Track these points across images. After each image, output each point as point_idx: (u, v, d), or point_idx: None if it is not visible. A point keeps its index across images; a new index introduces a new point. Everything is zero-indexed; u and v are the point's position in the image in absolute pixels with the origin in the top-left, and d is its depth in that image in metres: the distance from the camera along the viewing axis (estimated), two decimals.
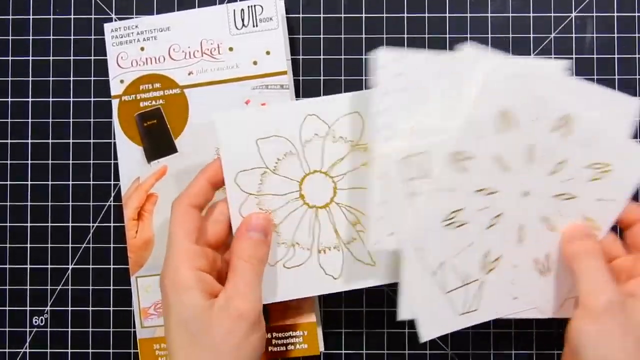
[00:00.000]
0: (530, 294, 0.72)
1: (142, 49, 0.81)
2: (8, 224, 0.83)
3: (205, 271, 0.67)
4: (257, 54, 0.80)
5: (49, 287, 0.83)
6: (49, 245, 0.83)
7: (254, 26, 0.80)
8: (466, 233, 0.70)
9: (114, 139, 0.81)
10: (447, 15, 0.82)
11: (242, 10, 0.80)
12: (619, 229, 0.74)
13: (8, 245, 0.83)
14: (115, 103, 0.81)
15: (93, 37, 0.83)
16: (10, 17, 0.83)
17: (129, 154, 0.81)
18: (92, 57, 0.83)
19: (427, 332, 0.71)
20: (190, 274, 0.64)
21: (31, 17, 0.83)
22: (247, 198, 0.71)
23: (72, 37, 0.83)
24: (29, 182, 0.82)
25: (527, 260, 0.71)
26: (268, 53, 0.80)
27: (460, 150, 0.68)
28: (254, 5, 0.80)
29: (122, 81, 0.81)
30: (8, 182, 0.82)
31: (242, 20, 0.80)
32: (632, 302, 0.64)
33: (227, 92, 0.80)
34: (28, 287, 0.83)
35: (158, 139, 0.80)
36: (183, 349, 0.64)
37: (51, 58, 0.83)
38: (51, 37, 0.83)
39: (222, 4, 0.81)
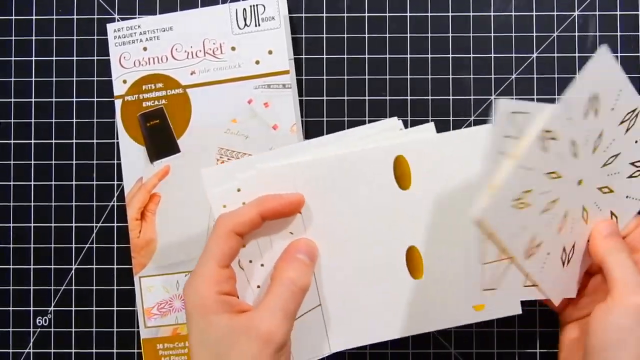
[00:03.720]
0: (550, 282, 0.70)
1: (145, 49, 0.81)
2: (11, 225, 0.83)
3: (232, 294, 0.66)
4: (260, 54, 0.80)
5: (52, 288, 0.83)
6: (52, 245, 0.83)
7: (256, 26, 0.80)
8: (525, 216, 0.68)
9: (117, 139, 0.81)
10: (450, 14, 0.82)
11: (245, 9, 0.80)
12: None
13: (11, 246, 0.83)
14: (118, 103, 0.81)
15: (96, 37, 0.83)
16: (14, 17, 0.83)
17: (132, 154, 0.81)
18: (95, 58, 0.83)
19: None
20: (215, 297, 0.63)
21: (34, 17, 0.83)
22: (242, 251, 0.70)
23: (74, 38, 0.83)
24: (32, 183, 0.83)
25: (558, 248, 0.70)
26: (270, 52, 0.80)
27: (550, 128, 0.66)
28: (256, 5, 0.80)
29: (124, 81, 0.81)
30: (11, 183, 0.83)
31: (245, 19, 0.80)
32: None
33: (229, 91, 0.80)
34: (31, 287, 0.83)
35: (161, 139, 0.80)
36: None
37: (54, 58, 0.83)
38: (54, 37, 0.83)
39: (224, 3, 0.81)
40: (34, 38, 0.83)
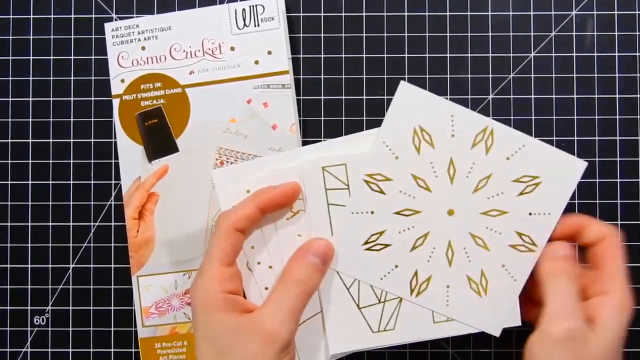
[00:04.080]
0: (468, 313, 0.71)
1: (143, 48, 0.81)
2: (9, 224, 0.83)
3: (237, 293, 0.66)
4: (259, 54, 0.80)
5: (49, 287, 0.83)
6: (50, 244, 0.83)
7: (255, 26, 0.80)
8: (390, 255, 0.70)
9: (115, 138, 0.81)
10: (448, 13, 0.82)
11: (244, 10, 0.80)
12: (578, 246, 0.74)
13: (9, 245, 0.83)
14: (115, 102, 0.81)
15: (93, 36, 0.83)
16: (11, 16, 0.83)
17: (129, 153, 0.81)
18: (93, 57, 0.83)
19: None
20: (220, 296, 0.64)
21: (31, 16, 0.83)
22: (251, 253, 0.71)
23: (72, 37, 0.83)
24: (30, 182, 0.83)
25: (459, 280, 0.70)
26: (269, 53, 0.80)
27: (375, 172, 0.69)
28: (256, 5, 0.80)
29: (122, 80, 0.81)
30: (9, 182, 0.83)
31: (244, 20, 0.80)
32: (588, 328, 0.64)
33: (228, 91, 0.80)
34: (29, 286, 0.83)
35: (159, 138, 0.80)
36: None
37: (52, 58, 0.83)
38: (52, 36, 0.83)
39: (222, 3, 0.81)
40: (31, 37, 0.83)
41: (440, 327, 0.71)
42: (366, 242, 0.70)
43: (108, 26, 0.81)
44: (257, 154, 0.80)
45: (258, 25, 0.80)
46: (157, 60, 0.81)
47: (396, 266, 0.70)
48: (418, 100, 0.69)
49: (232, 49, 0.80)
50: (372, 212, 0.70)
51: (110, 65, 0.81)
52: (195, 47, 0.80)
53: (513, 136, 0.68)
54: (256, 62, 0.80)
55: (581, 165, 0.68)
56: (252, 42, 0.80)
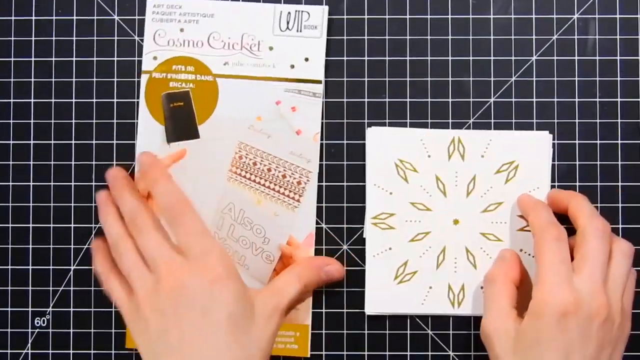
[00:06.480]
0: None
1: (182, 30, 0.81)
2: (10, 225, 0.82)
3: None
4: (296, 59, 0.81)
5: (50, 288, 0.82)
6: (51, 246, 0.82)
7: (297, 31, 0.81)
8: (389, 237, 0.75)
9: (116, 140, 0.81)
10: (450, 16, 0.83)
11: (289, 13, 0.81)
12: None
13: (10, 246, 0.82)
14: (144, 78, 0.81)
15: (95, 38, 0.83)
16: (13, 18, 0.83)
17: (149, 132, 0.81)
18: (95, 59, 0.83)
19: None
20: None
21: (33, 17, 0.83)
22: None
23: (74, 38, 0.83)
24: (31, 183, 0.82)
25: (441, 285, 0.75)
26: (307, 59, 0.81)
27: (406, 160, 0.75)
28: (302, 11, 0.81)
29: (155, 58, 0.81)
30: (10, 183, 0.82)
31: (287, 23, 0.81)
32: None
33: (259, 89, 0.81)
34: (30, 288, 0.82)
35: (182, 121, 0.80)
36: None
37: (53, 59, 0.83)
38: (54, 38, 0.83)
39: (267, 2, 0.81)
40: (33, 38, 0.83)
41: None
42: (374, 217, 0.74)
43: (150, 1, 0.82)
44: (278, 155, 0.80)
45: (300, 31, 0.81)
46: (193, 45, 0.81)
47: (389, 249, 0.75)
48: (387, 137, 0.75)
49: (271, 48, 0.81)
50: (388, 192, 0.75)
51: (145, 41, 0.81)
52: (234, 39, 0.81)
53: (478, 136, 0.75)
54: (292, 67, 0.81)
55: (547, 137, 0.77)
56: (292, 46, 0.81)
